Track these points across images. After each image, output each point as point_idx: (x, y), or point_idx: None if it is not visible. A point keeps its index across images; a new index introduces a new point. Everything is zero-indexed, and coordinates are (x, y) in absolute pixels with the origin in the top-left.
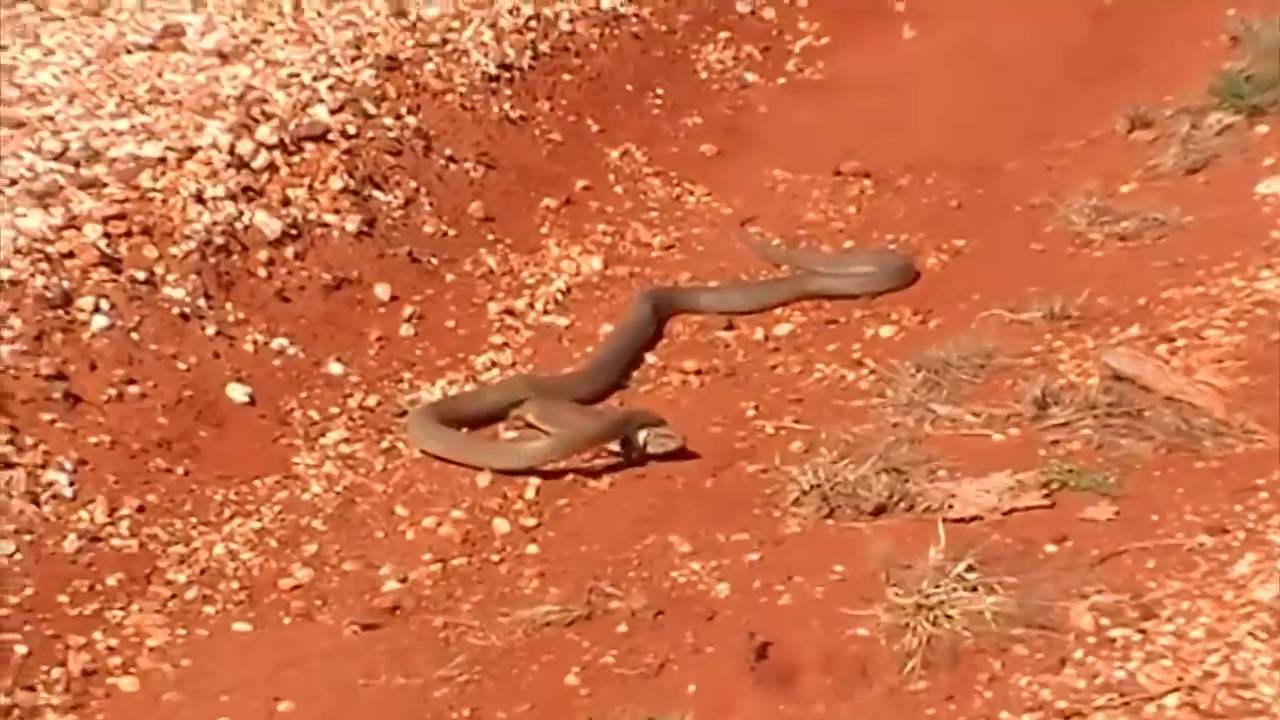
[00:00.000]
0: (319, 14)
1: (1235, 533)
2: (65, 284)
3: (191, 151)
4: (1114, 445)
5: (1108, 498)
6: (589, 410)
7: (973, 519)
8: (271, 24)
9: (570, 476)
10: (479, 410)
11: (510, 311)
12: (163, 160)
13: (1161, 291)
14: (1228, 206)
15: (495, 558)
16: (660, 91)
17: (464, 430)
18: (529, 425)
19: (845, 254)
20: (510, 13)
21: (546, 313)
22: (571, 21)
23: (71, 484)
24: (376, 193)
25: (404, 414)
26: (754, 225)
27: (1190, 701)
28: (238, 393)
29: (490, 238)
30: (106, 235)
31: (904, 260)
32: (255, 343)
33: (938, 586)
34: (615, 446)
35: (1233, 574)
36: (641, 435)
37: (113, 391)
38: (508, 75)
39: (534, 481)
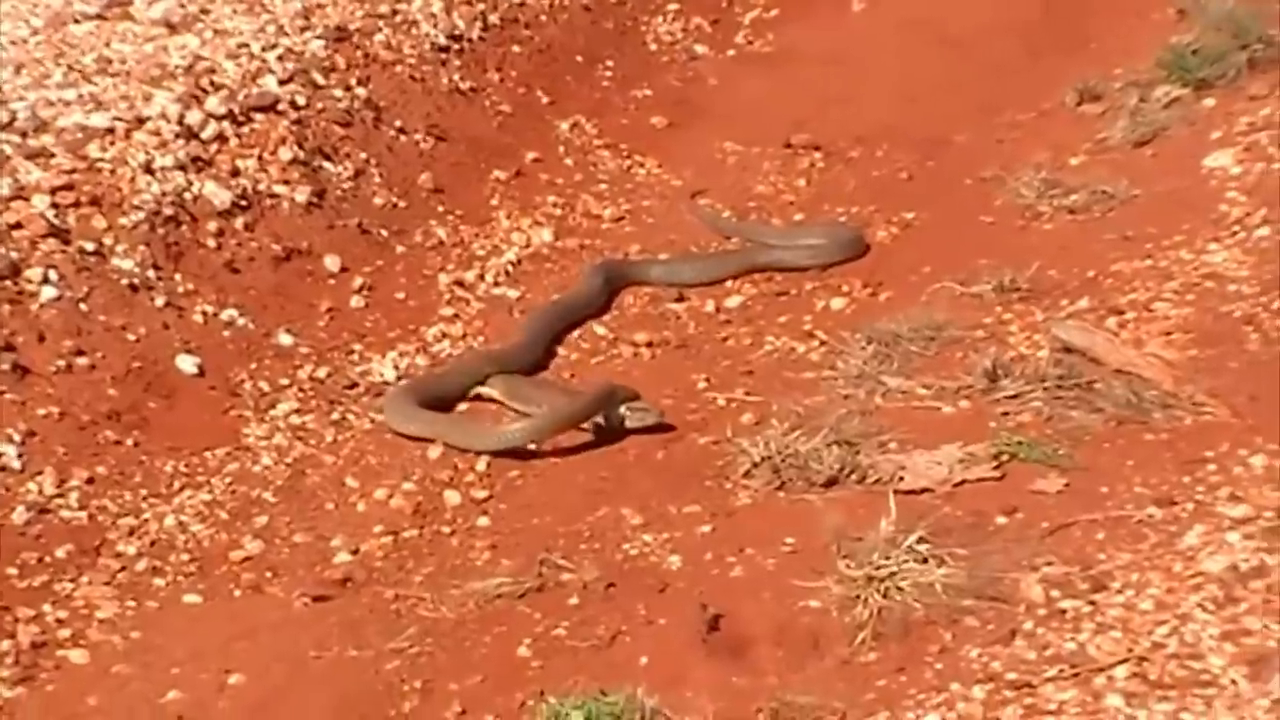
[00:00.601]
0: None
1: (1184, 504)
2: (14, 255)
3: (140, 122)
4: (1064, 417)
5: (1057, 469)
6: (558, 386)
7: (923, 491)
8: None
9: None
10: (454, 390)
11: (460, 283)
12: (111, 130)
13: (1111, 264)
14: (1176, 179)
15: (447, 530)
16: (610, 63)
17: (441, 411)
18: (496, 403)
19: (796, 226)
20: None
21: (497, 284)
22: None
23: (20, 456)
24: (326, 164)
25: (379, 394)
26: (704, 197)
27: (1140, 672)
28: (187, 364)
29: (440, 209)
30: (55, 206)
31: (854, 233)
32: (205, 314)
33: (888, 558)
34: (591, 422)
35: (1181, 545)
36: (621, 410)
37: (61, 363)
38: (457, 46)
39: None
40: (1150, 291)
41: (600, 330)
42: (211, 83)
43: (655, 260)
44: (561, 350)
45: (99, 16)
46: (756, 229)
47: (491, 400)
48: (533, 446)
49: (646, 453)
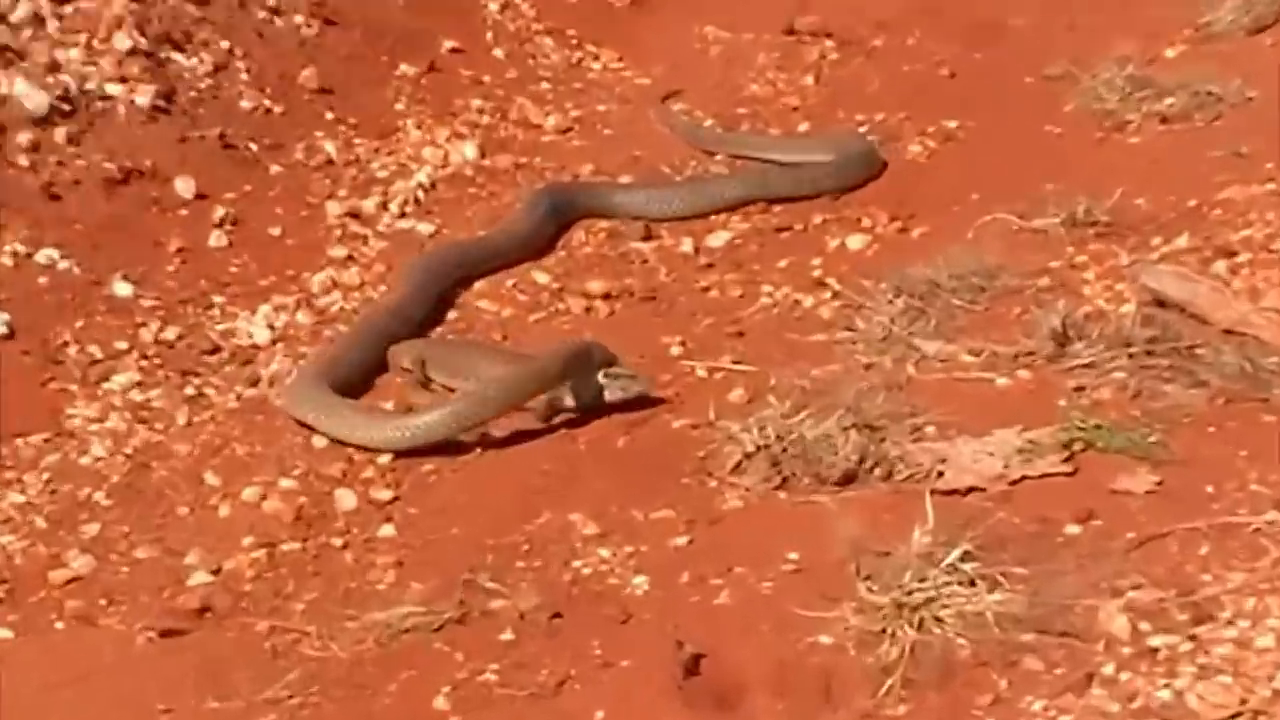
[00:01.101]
0: None
1: None
2: None
3: None
4: (1156, 393)
5: (1147, 462)
6: (496, 349)
7: (970, 490)
8: None
9: None
10: (368, 361)
11: (355, 214)
12: None
13: (1218, 190)
14: None
15: (338, 541)
16: None
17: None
18: (421, 379)
19: (794, 139)
20: None
21: (404, 216)
22: None
23: None
24: (176, 55)
25: (249, 363)
26: (679, 101)
27: None
28: None
29: (329, 116)
30: None
31: (862, 146)
32: (15, 254)
33: (924, 580)
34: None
35: None
36: (597, 378)
37: None
38: None
39: None
40: (1270, 226)
41: (541, 277)
42: None
43: (615, 185)
44: (486, 304)
45: None
46: (748, 142)
47: (404, 373)
48: (473, 432)
49: (602, 439)
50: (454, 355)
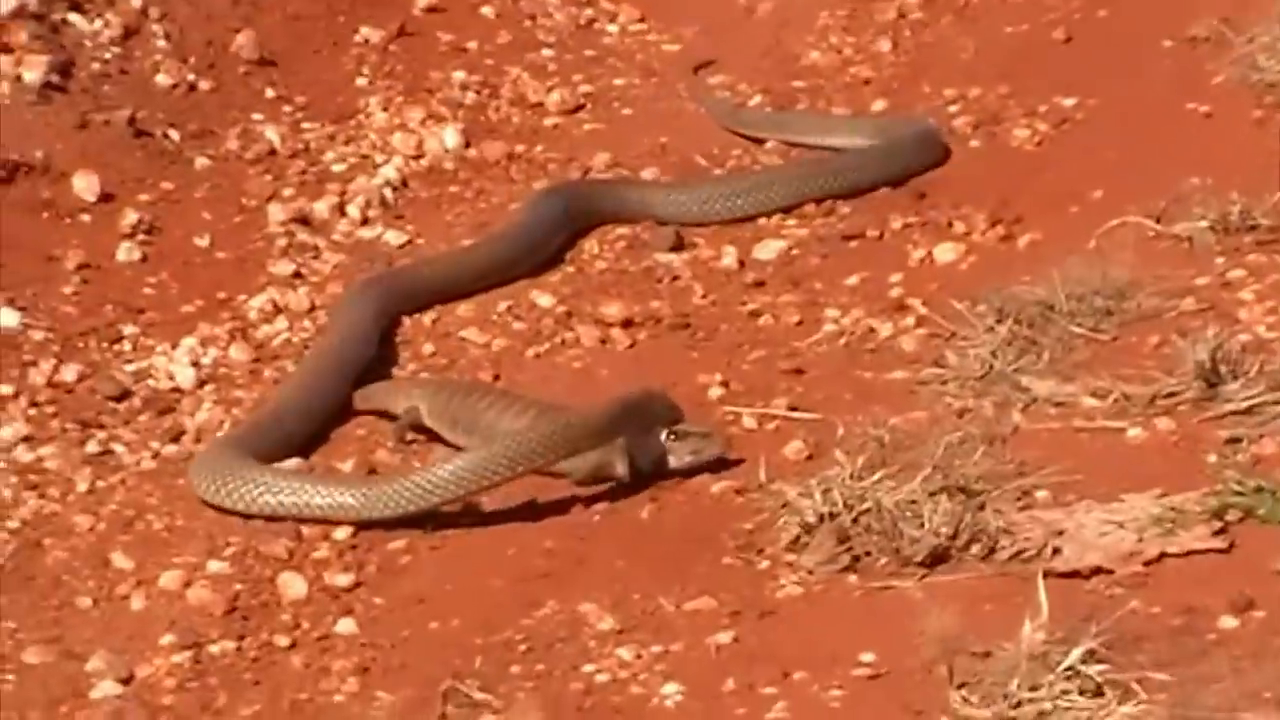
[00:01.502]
0: None
1: None
2: None
3: None
4: None
5: None
6: (527, 400)
7: (1095, 572)
8: None
9: None
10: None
11: (304, 219)
12: None
13: None
14: None
15: (284, 641)
16: None
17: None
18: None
19: (845, 121)
20: None
21: (366, 222)
22: None
23: None
24: (74, 17)
25: (168, 411)
26: (716, 72)
27: None
28: None
29: (270, 94)
30: None
31: (919, 128)
32: None
33: (1036, 688)
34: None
35: None
36: (658, 442)
37: None
38: None
39: None
40: None
41: (543, 300)
42: None
43: (637, 181)
44: (473, 333)
45: None
46: (805, 124)
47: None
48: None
49: (623, 508)
50: (463, 403)
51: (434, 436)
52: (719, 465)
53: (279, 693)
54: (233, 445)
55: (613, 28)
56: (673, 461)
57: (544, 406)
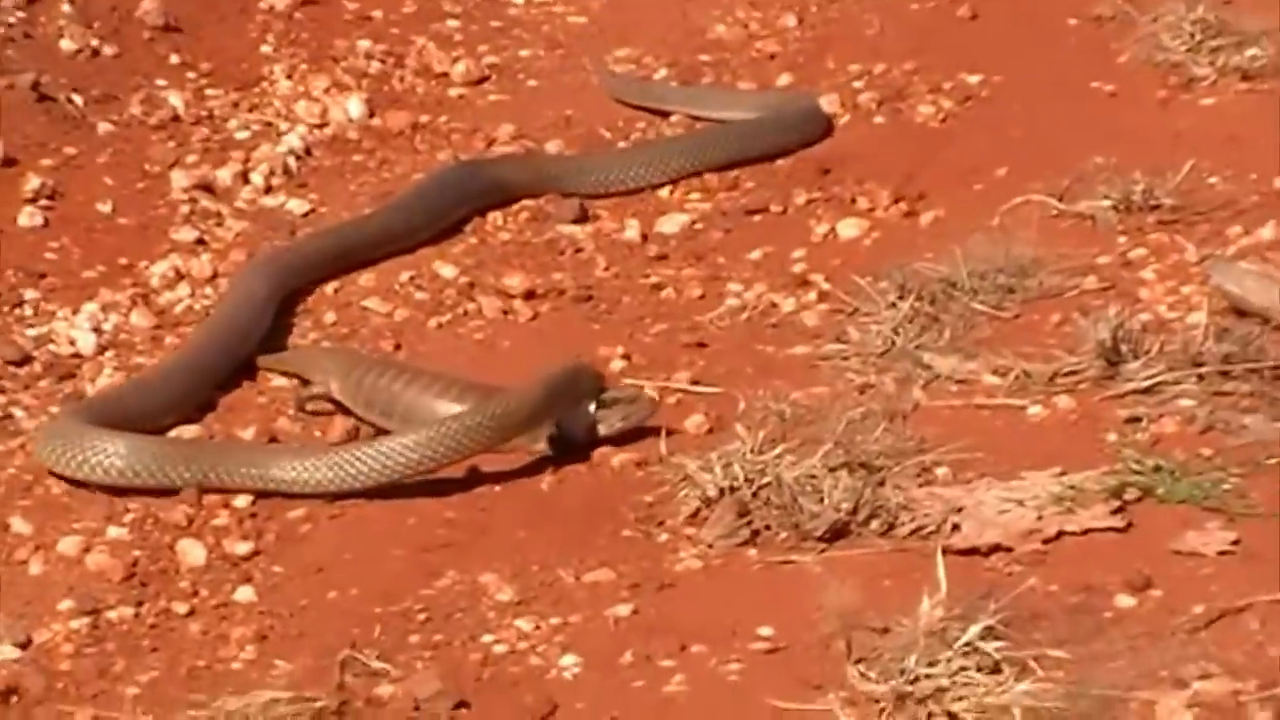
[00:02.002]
0: None
1: None
2: None
3: None
4: (1232, 426)
5: (1221, 515)
6: (448, 379)
7: (993, 550)
8: None
9: None
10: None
11: (208, 187)
12: None
13: None
14: None
15: (182, 608)
16: None
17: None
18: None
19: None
20: None
21: (270, 190)
22: None
23: None
24: None
25: (69, 377)
26: (622, 45)
27: None
28: None
29: (174, 60)
30: None
31: (801, 104)
32: None
33: (934, 664)
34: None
35: None
36: (588, 408)
37: None
38: None
39: None
40: None
41: (446, 270)
42: None
43: (542, 156)
44: (375, 303)
45: None
46: (708, 98)
47: (314, 403)
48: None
49: (523, 479)
50: (376, 383)
51: (341, 408)
52: (651, 431)
53: (177, 659)
54: (80, 413)
55: None
56: (604, 429)
57: (464, 385)
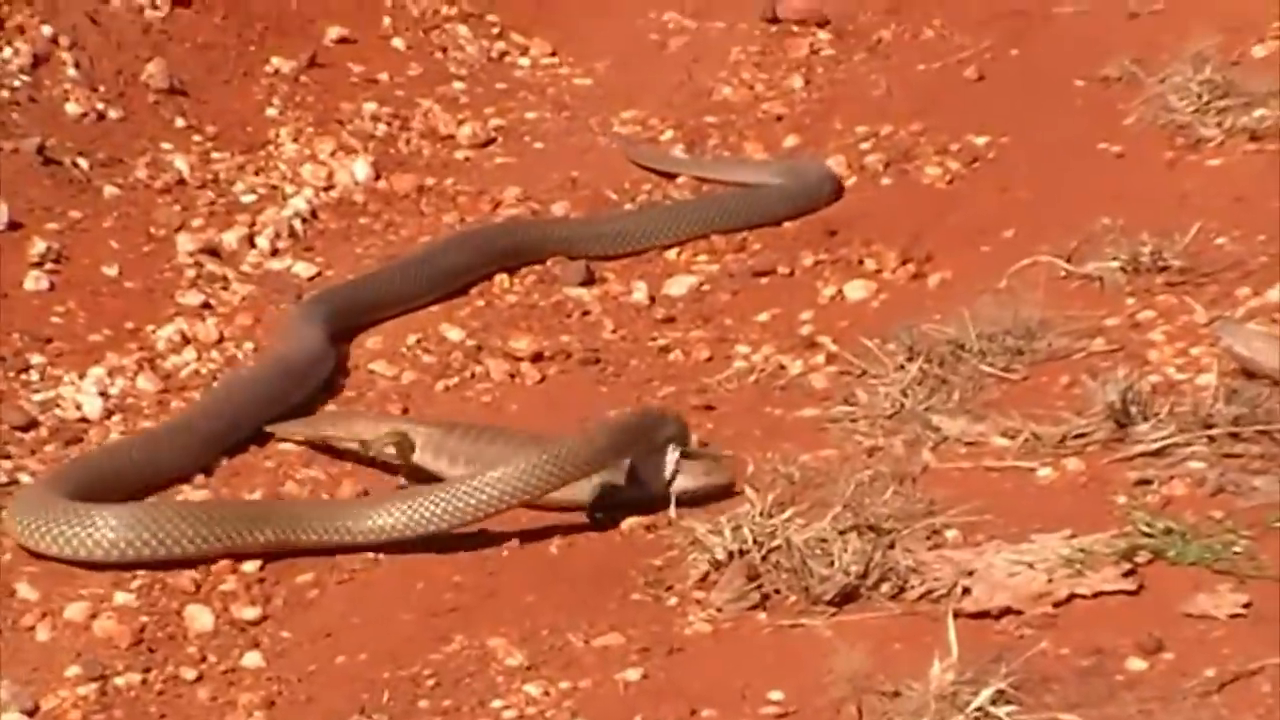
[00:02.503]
0: None
1: None
2: None
3: None
4: (1244, 488)
5: (1232, 578)
6: (504, 432)
7: (1004, 613)
8: None
9: None
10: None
11: (214, 251)
12: None
13: None
14: None
15: (190, 674)
16: None
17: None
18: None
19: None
20: None
21: (276, 253)
22: None
23: None
24: None
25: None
26: (629, 107)
27: None
28: None
29: (180, 124)
30: None
31: (814, 171)
32: None
33: None
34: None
35: None
36: (668, 461)
37: None
38: None
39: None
40: None
41: (453, 333)
42: None
43: (555, 221)
44: (381, 366)
45: None
46: (713, 164)
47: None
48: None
49: (531, 544)
50: (464, 440)
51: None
52: (729, 493)
53: None
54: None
55: (524, 61)
56: (685, 482)
57: (530, 437)
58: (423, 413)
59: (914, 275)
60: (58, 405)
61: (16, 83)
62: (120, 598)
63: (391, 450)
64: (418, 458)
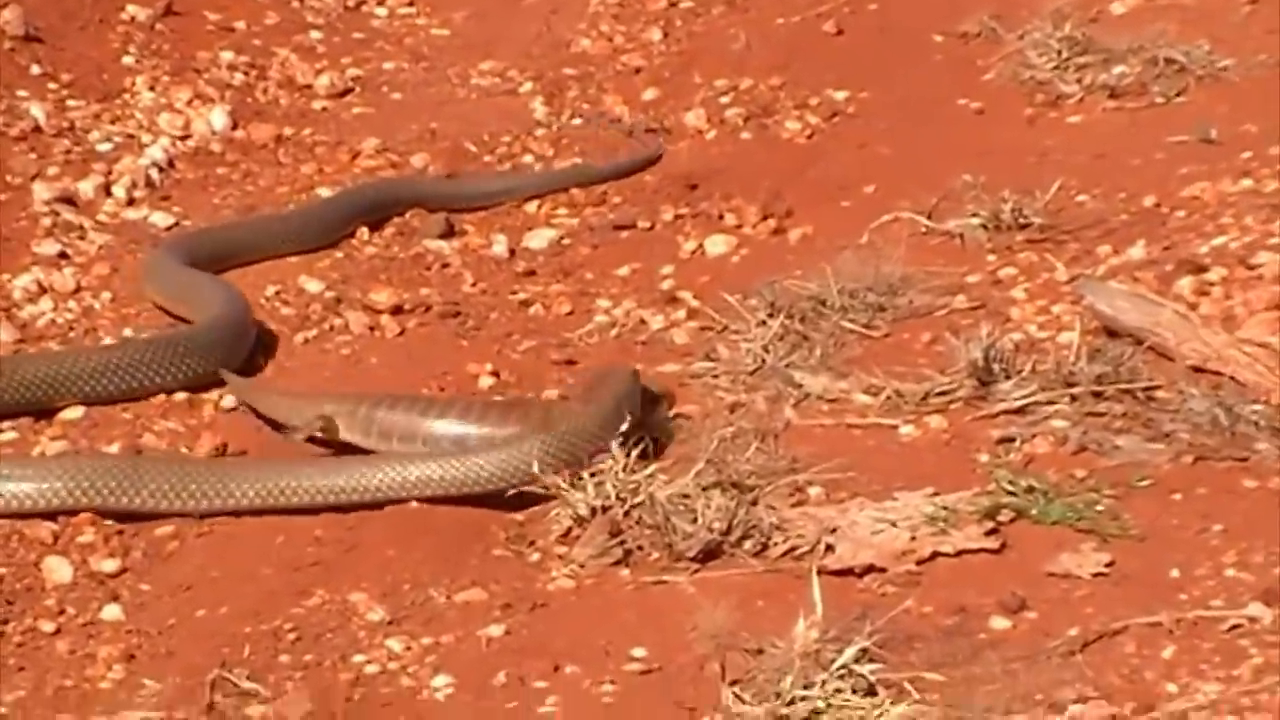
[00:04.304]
0: None
1: None
2: None
3: None
4: (1106, 447)
5: (1095, 537)
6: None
7: (867, 571)
8: None
9: None
10: None
11: (70, 200)
12: None
13: (1181, 186)
14: None
15: (49, 626)
16: None
17: None
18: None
19: None
20: None
21: (133, 203)
22: None
23: None
24: None
25: None
26: (487, 59)
27: None
28: None
29: (35, 71)
30: None
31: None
32: None
33: (809, 686)
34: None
35: None
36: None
37: None
38: None
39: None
40: (1248, 234)
41: (312, 285)
42: None
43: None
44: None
45: None
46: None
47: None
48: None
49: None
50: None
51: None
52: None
53: (43, 679)
54: None
55: (381, 11)
56: None
57: (481, 405)
58: (281, 365)
59: (775, 230)
60: None
61: None
62: None
63: (320, 434)
64: (346, 435)
